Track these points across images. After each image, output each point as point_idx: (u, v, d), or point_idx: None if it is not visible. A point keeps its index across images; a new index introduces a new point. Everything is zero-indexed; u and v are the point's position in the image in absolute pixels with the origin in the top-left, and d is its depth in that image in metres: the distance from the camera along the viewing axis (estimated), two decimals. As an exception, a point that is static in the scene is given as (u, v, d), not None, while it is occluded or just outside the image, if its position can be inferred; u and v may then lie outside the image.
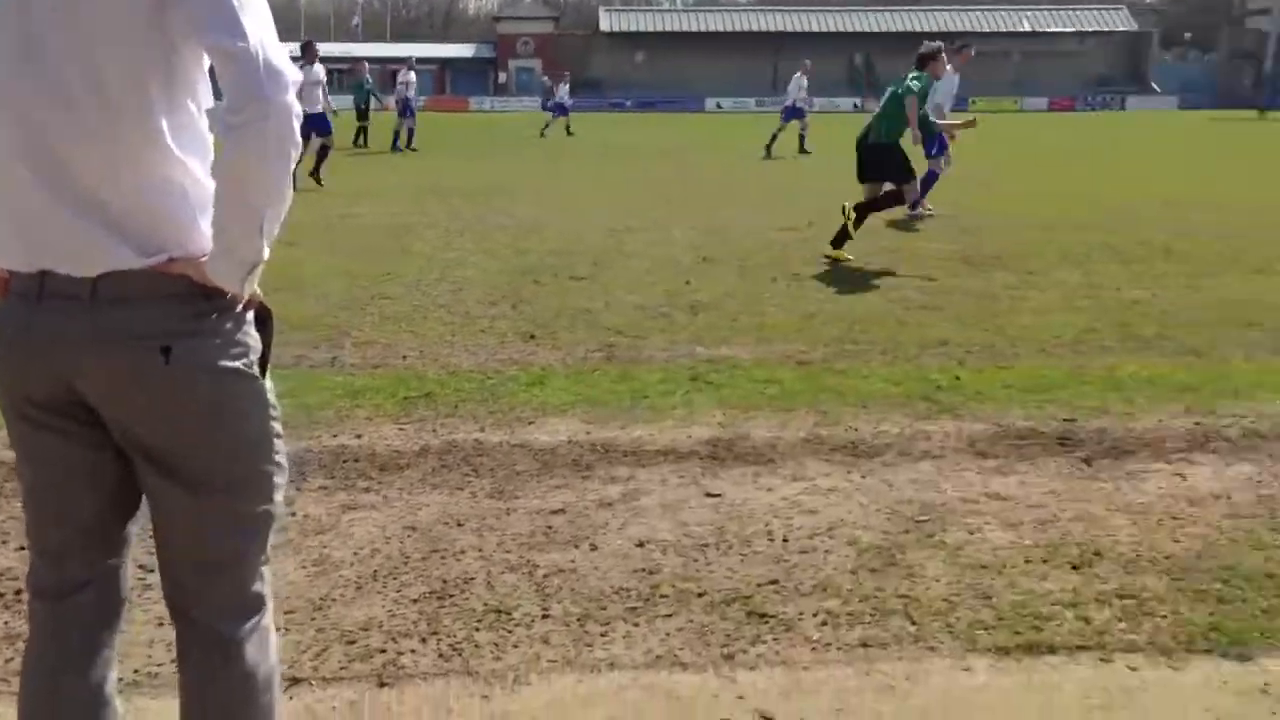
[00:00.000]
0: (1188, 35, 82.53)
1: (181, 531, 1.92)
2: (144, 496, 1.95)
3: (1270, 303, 7.95)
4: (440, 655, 3.04)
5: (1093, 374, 6.00)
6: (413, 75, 25.98)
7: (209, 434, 1.85)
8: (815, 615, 3.27)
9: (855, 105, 69.07)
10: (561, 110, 34.59)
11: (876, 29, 75.74)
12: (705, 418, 5.21)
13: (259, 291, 1.88)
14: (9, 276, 1.85)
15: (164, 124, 1.76)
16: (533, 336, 6.86)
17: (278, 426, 1.95)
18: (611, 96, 67.94)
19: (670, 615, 3.27)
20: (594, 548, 3.74)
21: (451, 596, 3.38)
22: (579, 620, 3.24)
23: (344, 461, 4.56)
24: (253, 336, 1.89)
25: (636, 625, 3.21)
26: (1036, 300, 8.10)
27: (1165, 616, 3.25)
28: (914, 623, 3.24)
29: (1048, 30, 76.06)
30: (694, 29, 75.15)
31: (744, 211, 13.68)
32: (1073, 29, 76.73)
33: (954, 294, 8.34)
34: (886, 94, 10.61)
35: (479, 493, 4.25)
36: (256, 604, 1.99)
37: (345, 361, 6.20)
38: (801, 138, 24.76)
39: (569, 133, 33.81)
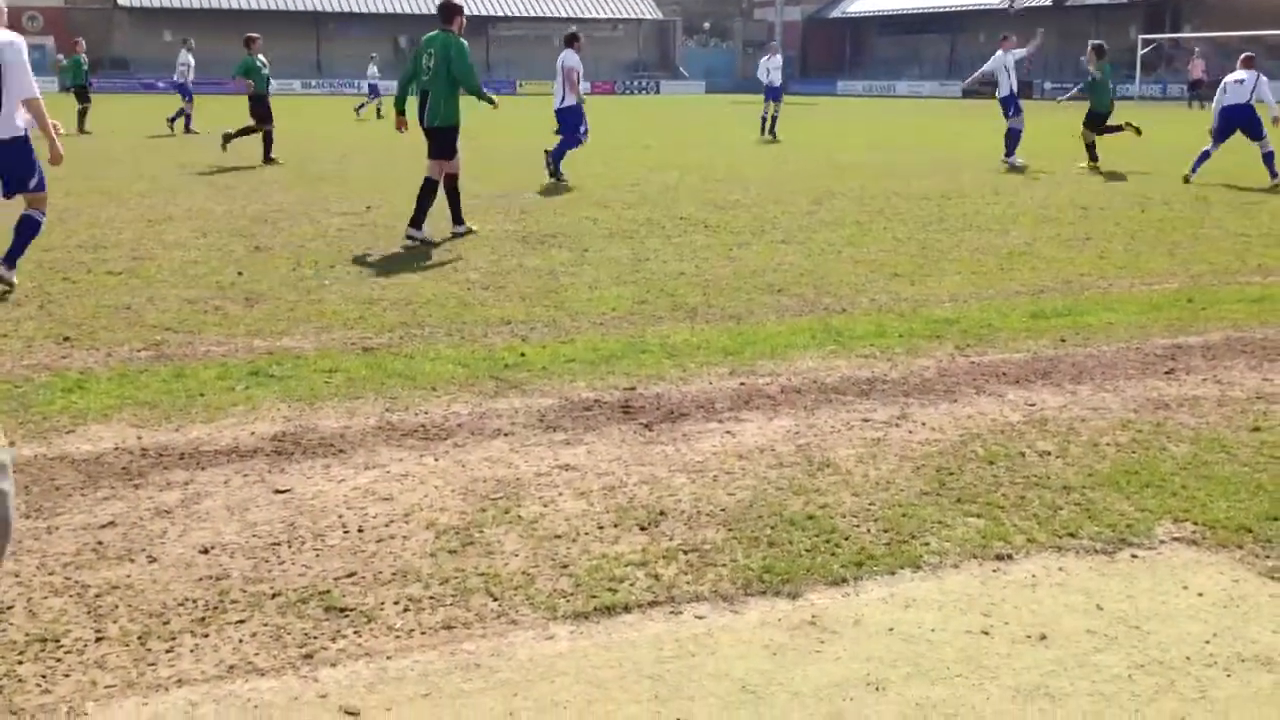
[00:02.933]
0: (706, 24, 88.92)
1: None
2: None
3: (793, 269, 8.75)
4: (-25, 699, 2.69)
5: (648, 343, 6.33)
6: (191, 57, 25.98)
7: None
8: (396, 603, 3.22)
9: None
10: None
11: (418, 10, 75.51)
12: (269, 412, 4.97)
13: None
14: None
15: None
16: (67, 338, 6.25)
17: None
18: (142, 77, 63.15)
19: (242, 621, 3.09)
20: (152, 560, 3.46)
21: (-15, 632, 3.00)
22: (139, 639, 2.98)
23: None
24: None
25: (205, 636, 3.01)
26: (592, 275, 8.43)
27: (725, 565, 3.49)
28: (496, 599, 3.26)
29: (584, 16, 79.27)
30: (225, 6, 71.20)
31: (299, 197, 13.20)
32: (606, 15, 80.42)
33: (514, 273, 8.50)
34: None
35: (11, 514, 3.80)
36: None
37: None
38: (774, 119, 24.73)
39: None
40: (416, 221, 10.00)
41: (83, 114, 24.69)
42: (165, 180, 14.70)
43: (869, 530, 3.75)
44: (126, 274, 8.21)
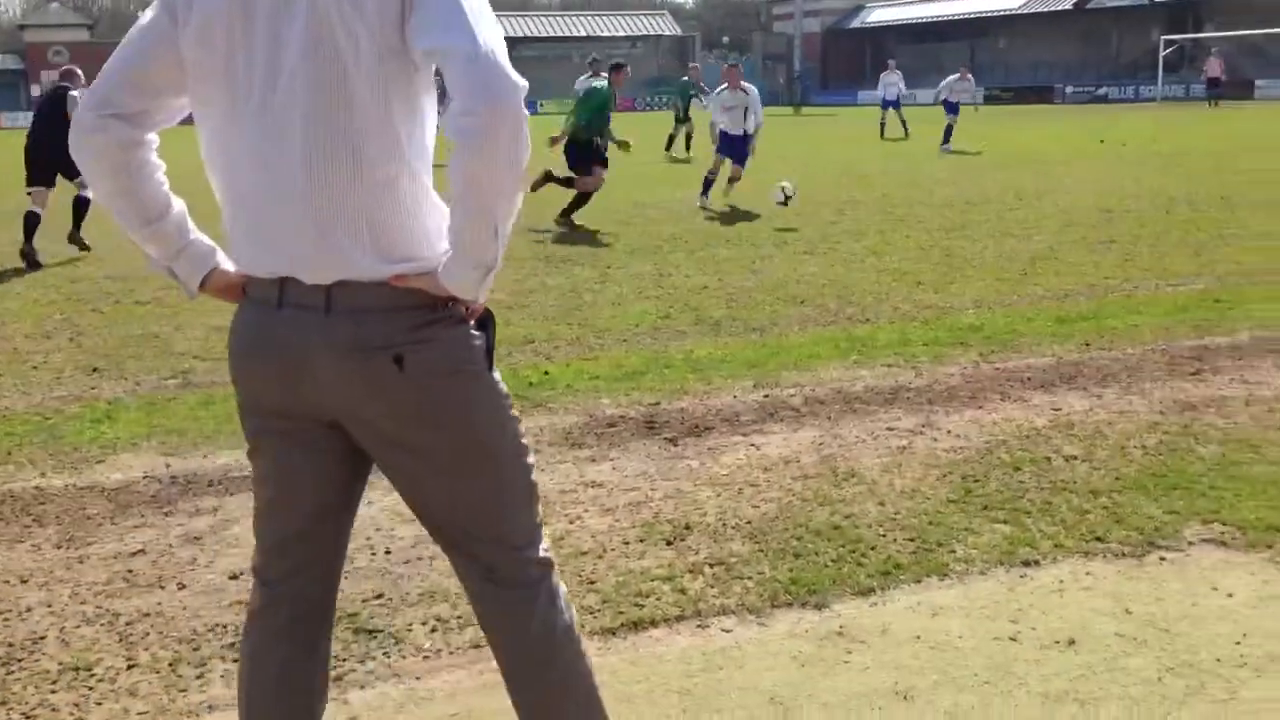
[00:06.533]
0: (725, 39, 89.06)
1: (445, 511, 2.02)
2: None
3: (816, 280, 8.75)
4: (11, 728, 2.73)
5: (672, 358, 6.34)
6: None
7: (451, 431, 1.93)
8: (425, 624, 3.24)
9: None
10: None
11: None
12: (295, 437, 5.00)
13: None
14: (245, 281, 1.95)
15: (402, 133, 1.82)
16: (96, 369, 6.32)
17: (514, 412, 2.02)
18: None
19: (272, 646, 3.11)
20: (182, 586, 3.49)
21: (20, 660, 3.04)
22: (170, 665, 3.01)
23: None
24: (476, 336, 1.94)
25: (236, 661, 3.02)
26: (615, 292, 8.45)
27: (751, 578, 3.49)
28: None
29: (602, 35, 79.54)
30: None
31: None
32: (624, 33, 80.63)
33: (537, 292, 8.53)
34: None
35: (44, 543, 3.85)
36: (543, 567, 2.07)
37: None
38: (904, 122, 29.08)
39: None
40: None
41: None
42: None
43: (895, 539, 3.74)
44: (154, 303, 8.29)
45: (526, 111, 1.71)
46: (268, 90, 1.81)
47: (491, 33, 1.72)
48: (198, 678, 2.95)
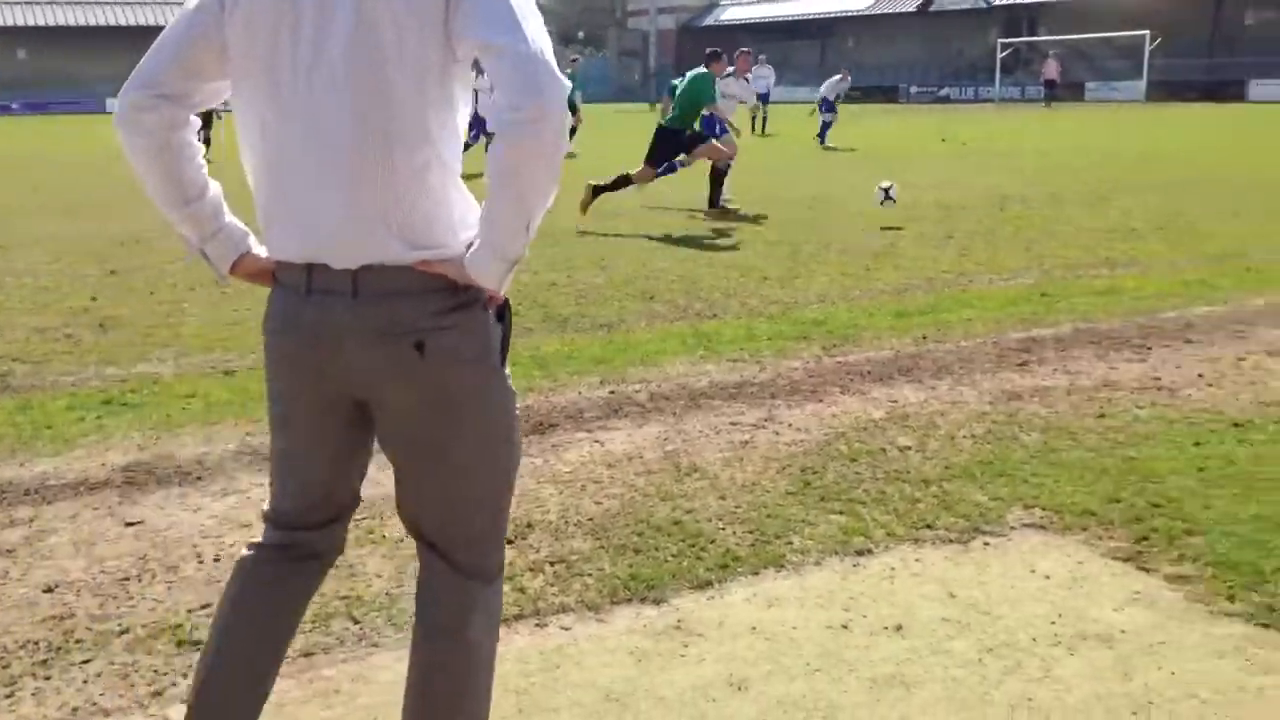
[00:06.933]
0: (580, 34, 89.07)
1: (429, 505, 2.09)
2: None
3: (665, 276, 8.81)
4: None
5: (518, 355, 6.29)
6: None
7: (460, 420, 1.99)
8: (254, 632, 3.13)
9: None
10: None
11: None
12: (122, 442, 4.81)
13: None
14: (276, 267, 2.01)
15: (435, 122, 1.88)
16: (-95, 373, 5.97)
17: (515, 409, 2.10)
18: (-5, 98, 60.80)
19: (88, 661, 2.98)
20: (-9, 602, 3.32)
21: None
22: (-24, 687, 2.86)
23: None
24: (495, 327, 2.00)
25: (48, 679, 2.89)
26: (462, 290, 8.33)
27: (591, 575, 3.49)
28: (357, 621, 3.21)
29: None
30: (83, 23, 68.92)
31: (160, 220, 12.83)
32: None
33: (383, 289, 8.35)
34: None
35: None
36: (500, 568, 2.18)
37: None
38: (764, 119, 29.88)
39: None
40: None
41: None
42: (17, 207, 14.15)
43: (734, 532, 3.79)
44: (-28, 304, 7.88)
45: (568, 112, 1.78)
46: (309, 77, 1.86)
47: (539, 31, 1.78)
48: (7, 697, 2.80)
